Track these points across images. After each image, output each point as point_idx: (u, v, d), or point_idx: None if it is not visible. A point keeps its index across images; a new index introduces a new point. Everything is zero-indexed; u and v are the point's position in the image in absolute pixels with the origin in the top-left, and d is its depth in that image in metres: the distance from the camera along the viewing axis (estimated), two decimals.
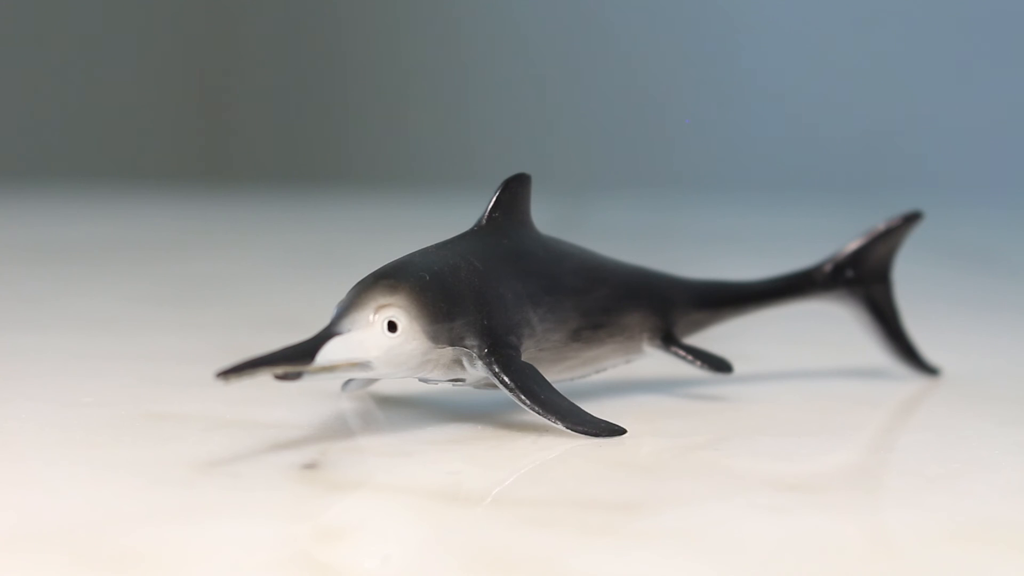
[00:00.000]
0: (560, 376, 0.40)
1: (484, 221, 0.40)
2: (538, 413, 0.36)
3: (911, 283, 0.53)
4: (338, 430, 0.38)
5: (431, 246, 0.38)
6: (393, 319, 0.35)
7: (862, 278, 0.47)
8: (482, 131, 1.85)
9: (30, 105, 1.82)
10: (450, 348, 0.36)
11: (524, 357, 0.38)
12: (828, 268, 0.47)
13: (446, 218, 0.64)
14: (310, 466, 0.34)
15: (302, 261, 0.94)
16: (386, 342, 0.35)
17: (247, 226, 1.26)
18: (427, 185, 1.73)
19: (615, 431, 0.37)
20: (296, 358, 0.34)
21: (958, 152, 1.65)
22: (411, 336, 0.35)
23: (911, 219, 0.47)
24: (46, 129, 1.83)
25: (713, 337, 0.46)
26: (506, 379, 0.36)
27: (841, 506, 0.32)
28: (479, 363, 0.36)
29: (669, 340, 0.43)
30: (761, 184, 1.68)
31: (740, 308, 0.46)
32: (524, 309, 0.38)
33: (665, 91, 1.78)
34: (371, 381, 0.41)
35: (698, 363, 0.42)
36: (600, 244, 0.45)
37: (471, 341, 0.36)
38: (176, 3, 1.91)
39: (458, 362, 0.37)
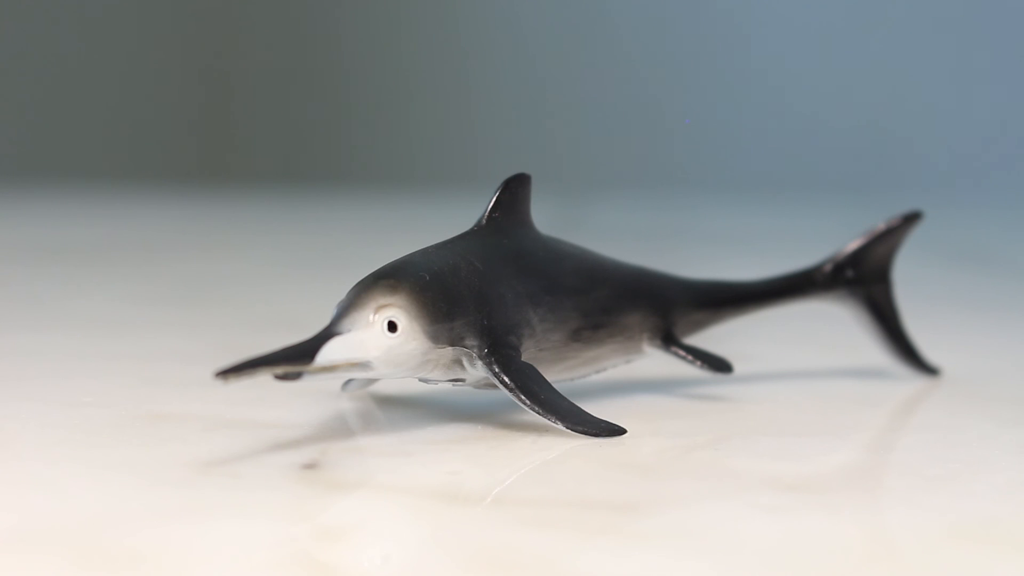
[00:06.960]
0: (560, 376, 0.40)
1: (484, 221, 0.40)
2: (538, 413, 0.36)
3: (911, 283, 0.53)
4: (338, 430, 0.38)
5: (431, 246, 0.38)
6: (393, 319, 0.35)
7: (862, 278, 0.47)
8: (482, 131, 1.85)
9: (30, 105, 1.82)
10: (450, 348, 0.36)
11: (524, 357, 0.38)
12: (828, 268, 0.47)
13: (446, 218, 0.64)
14: (310, 466, 0.34)
15: (302, 261, 0.94)
16: (386, 342, 0.35)
17: (247, 226, 1.26)
18: (427, 185, 1.73)
19: (615, 431, 0.37)
20: (296, 358, 0.34)
21: (958, 152, 1.65)
22: (411, 336, 0.35)
23: (911, 219, 0.47)
24: (46, 129, 1.83)
25: (713, 337, 0.46)
26: (506, 379, 0.36)
27: (841, 506, 0.32)
28: (479, 363, 0.36)
29: (669, 340, 0.43)
30: (761, 184, 1.68)
31: (740, 308, 0.46)
32: (524, 309, 0.38)
33: (665, 91, 1.78)
34: (371, 381, 0.41)
35: (698, 363, 0.42)
36: (600, 244, 0.45)
37: (471, 341, 0.36)
38: (177, 3, 1.91)
39: (458, 362, 0.37)
